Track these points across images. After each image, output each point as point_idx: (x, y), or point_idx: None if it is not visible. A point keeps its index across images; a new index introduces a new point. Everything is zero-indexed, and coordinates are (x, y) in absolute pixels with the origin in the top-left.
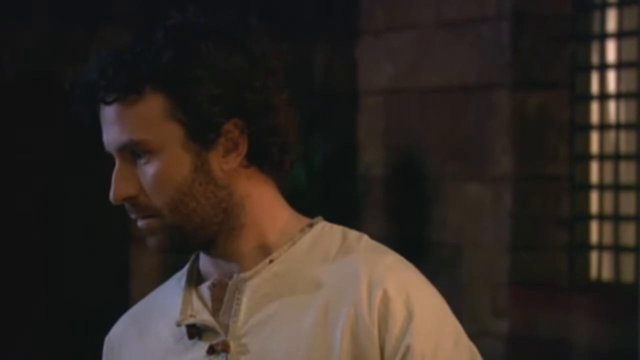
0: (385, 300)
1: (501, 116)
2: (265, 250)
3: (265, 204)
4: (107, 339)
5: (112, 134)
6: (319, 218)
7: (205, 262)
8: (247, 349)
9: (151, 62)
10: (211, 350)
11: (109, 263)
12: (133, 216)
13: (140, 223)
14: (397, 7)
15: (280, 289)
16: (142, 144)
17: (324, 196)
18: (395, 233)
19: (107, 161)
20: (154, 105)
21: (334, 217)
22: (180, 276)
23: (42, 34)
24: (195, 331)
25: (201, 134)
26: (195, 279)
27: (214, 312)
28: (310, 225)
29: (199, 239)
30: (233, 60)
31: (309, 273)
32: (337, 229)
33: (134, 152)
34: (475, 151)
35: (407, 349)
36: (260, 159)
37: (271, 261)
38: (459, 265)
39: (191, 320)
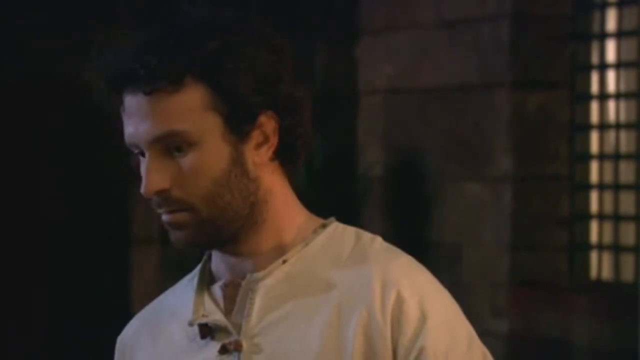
0: (399, 302)
1: (501, 116)
2: (279, 250)
3: (285, 201)
4: (119, 340)
5: (145, 126)
6: (332, 219)
7: (217, 262)
8: (260, 348)
9: (193, 53)
10: (223, 350)
11: (109, 263)
12: (161, 210)
13: (167, 217)
14: (397, 7)
15: (293, 290)
16: (182, 135)
17: (323, 196)
18: (395, 233)
19: (108, 161)
20: (194, 95)
21: (332, 216)
22: (192, 277)
23: (43, 34)
24: (207, 331)
25: (239, 126)
26: (207, 279)
27: (227, 312)
28: (324, 226)
29: (226, 234)
30: (265, 53)
31: (322, 274)
32: (350, 230)
33: (169, 144)
34: (475, 151)
35: (421, 351)
36: (285, 154)
37: (284, 261)
38: (459, 265)
39: (203, 320)
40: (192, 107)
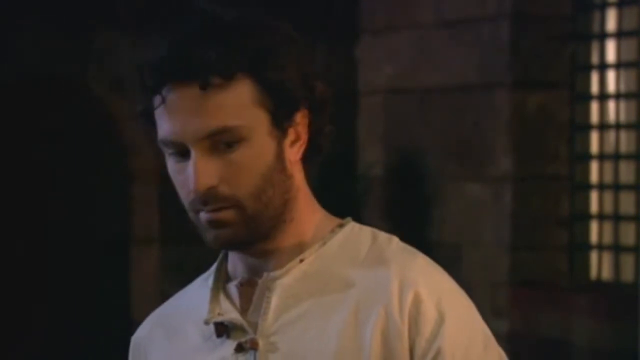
0: (417, 302)
1: (501, 116)
2: (298, 249)
3: (308, 200)
4: (133, 340)
5: (198, 122)
6: (349, 219)
7: (234, 261)
8: (276, 347)
9: (243, 48)
10: (239, 348)
11: (109, 263)
12: (207, 208)
13: (210, 215)
14: (397, 7)
15: (310, 289)
16: (235, 130)
17: (323, 196)
18: (395, 233)
19: (108, 161)
20: (244, 90)
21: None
22: (206, 277)
23: (43, 35)
24: (223, 329)
25: (282, 122)
26: (223, 278)
27: (242, 311)
28: (341, 226)
29: (264, 232)
30: (303, 51)
31: (339, 273)
32: (367, 230)
33: (220, 140)
34: (475, 151)
35: (438, 351)
36: (310, 152)
37: (301, 260)
38: (459, 265)
39: (219, 319)
40: (243, 103)
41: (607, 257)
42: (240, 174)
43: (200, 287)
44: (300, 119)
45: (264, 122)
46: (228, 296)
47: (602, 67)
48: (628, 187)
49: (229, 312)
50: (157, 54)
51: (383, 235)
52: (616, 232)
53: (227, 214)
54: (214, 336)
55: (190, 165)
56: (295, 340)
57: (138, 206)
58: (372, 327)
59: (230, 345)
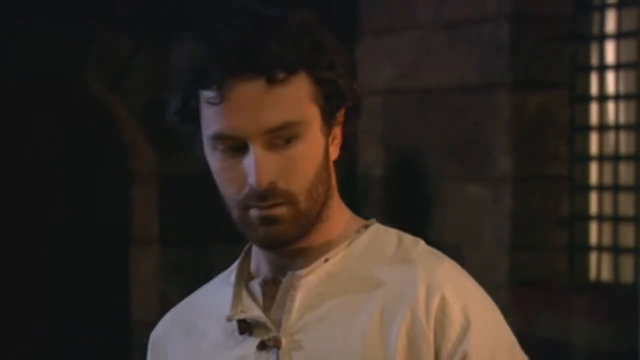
0: (443, 306)
1: (501, 116)
2: (324, 248)
3: (338, 200)
4: (152, 337)
5: (261, 116)
6: (373, 220)
7: (258, 258)
8: (300, 345)
9: (302, 44)
10: (262, 346)
11: (109, 263)
12: (264, 204)
13: (265, 212)
14: (397, 7)
15: (335, 289)
16: (296, 126)
17: None
18: None
19: (108, 161)
20: (303, 86)
21: None
22: (228, 274)
23: (42, 35)
24: (246, 327)
25: (330, 119)
26: (245, 276)
27: (265, 309)
28: (366, 227)
29: (308, 229)
30: (342, 48)
31: (364, 274)
32: (392, 232)
33: (280, 135)
34: (475, 151)
35: (464, 356)
36: (343, 152)
37: (326, 260)
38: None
39: (242, 316)
40: (302, 98)
41: (606, 258)
42: (296, 170)
43: (222, 285)
44: (340, 118)
45: (317, 118)
46: (251, 294)
47: (602, 67)
48: (627, 188)
49: (252, 310)
50: (215, 48)
51: (408, 238)
52: (615, 233)
53: (281, 210)
54: (236, 333)
55: (251, 160)
56: (319, 339)
57: (137, 207)
58: (398, 328)
59: (252, 342)
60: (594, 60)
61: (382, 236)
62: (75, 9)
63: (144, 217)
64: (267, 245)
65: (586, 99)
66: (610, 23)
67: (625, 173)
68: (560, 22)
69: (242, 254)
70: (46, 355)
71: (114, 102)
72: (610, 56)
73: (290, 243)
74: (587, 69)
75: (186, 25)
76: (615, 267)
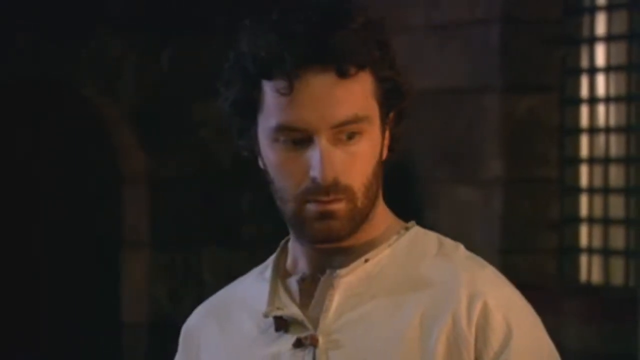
0: (485, 313)
1: (491, 119)
2: (365, 248)
3: (382, 201)
4: (185, 327)
5: (331, 109)
6: (413, 222)
7: (296, 255)
8: (338, 345)
9: (369, 39)
10: (298, 344)
11: (99, 266)
12: (325, 198)
13: (324, 206)
14: (388, 11)
15: (374, 290)
16: (363, 120)
17: None
18: None
19: (100, 164)
20: (368, 82)
21: None
22: (262, 269)
23: (39, 37)
24: (282, 323)
25: (387, 117)
26: (281, 273)
27: (302, 306)
28: (406, 229)
29: (358, 228)
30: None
31: (404, 276)
32: (432, 235)
33: (346, 130)
34: (465, 154)
35: None
36: (389, 153)
37: (366, 260)
38: None
39: (279, 313)
40: (367, 94)
41: (596, 260)
42: (357, 166)
43: (257, 280)
44: (392, 118)
45: (377, 115)
46: (288, 291)
47: (592, 70)
48: (617, 191)
49: (289, 307)
50: (286, 37)
51: (449, 242)
52: (606, 236)
53: (339, 206)
54: (271, 330)
55: (316, 154)
56: (357, 339)
57: (128, 209)
58: (438, 333)
59: (288, 340)
60: (584, 63)
61: (422, 239)
62: (66, 11)
63: (135, 219)
64: (322, 240)
65: (576, 101)
66: (600, 26)
67: (615, 175)
68: (550, 25)
69: (278, 249)
70: (36, 357)
71: (105, 105)
72: (600, 59)
73: (343, 239)
74: (577, 71)
75: (178, 28)
76: (606, 270)
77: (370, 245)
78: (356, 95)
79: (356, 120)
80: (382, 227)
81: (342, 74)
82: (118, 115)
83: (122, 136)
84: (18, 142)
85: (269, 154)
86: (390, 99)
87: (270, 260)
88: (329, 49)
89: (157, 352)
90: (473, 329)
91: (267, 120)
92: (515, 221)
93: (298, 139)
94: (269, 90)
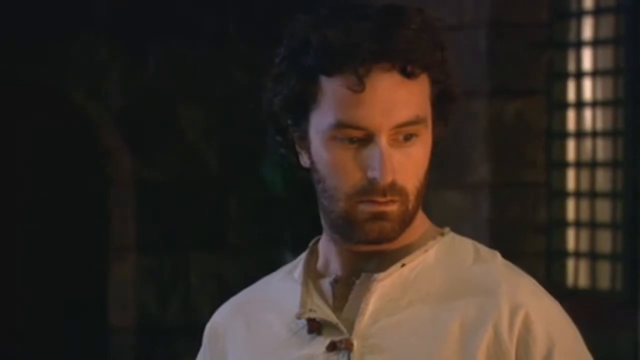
0: (527, 324)
1: (479, 123)
2: (401, 253)
3: (420, 207)
4: (210, 324)
5: (396, 109)
6: (448, 228)
7: (328, 257)
8: (374, 350)
9: (429, 41)
10: (332, 347)
11: (86, 271)
12: (382, 199)
13: (378, 207)
14: None
15: (411, 296)
16: (423, 122)
17: (304, 205)
18: None
19: (86, 167)
20: (425, 84)
21: (315, 225)
22: (290, 269)
23: (19, 40)
24: (315, 326)
25: (437, 120)
26: (312, 274)
27: (335, 309)
28: (442, 234)
29: (405, 230)
30: None
31: (442, 283)
32: (468, 242)
33: (405, 131)
34: (453, 158)
35: None
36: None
37: (403, 265)
38: None
39: (312, 315)
40: (425, 96)
41: (584, 264)
42: (412, 168)
43: (285, 280)
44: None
45: (431, 118)
46: (320, 292)
47: (579, 74)
48: (605, 195)
49: (323, 309)
50: (352, 34)
51: (485, 249)
52: (593, 240)
53: (392, 208)
54: (303, 331)
55: (376, 154)
56: (395, 345)
57: (115, 213)
58: (479, 343)
59: (321, 342)
60: (571, 67)
61: (459, 245)
62: (52, 13)
63: (122, 223)
64: (372, 241)
65: (563, 105)
66: (587, 30)
67: (603, 179)
68: (538, 29)
69: (307, 250)
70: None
71: (92, 108)
72: (587, 63)
73: (392, 241)
74: (565, 75)
75: (164, 31)
76: (593, 274)
77: (407, 250)
78: (417, 97)
79: (416, 121)
80: (419, 232)
81: (407, 74)
82: (105, 119)
83: (108, 139)
84: (3, 145)
85: (322, 152)
86: (442, 102)
87: (300, 260)
88: (397, 48)
89: (144, 355)
90: (514, 340)
91: (325, 117)
92: (503, 225)
93: (356, 137)
94: (331, 86)
